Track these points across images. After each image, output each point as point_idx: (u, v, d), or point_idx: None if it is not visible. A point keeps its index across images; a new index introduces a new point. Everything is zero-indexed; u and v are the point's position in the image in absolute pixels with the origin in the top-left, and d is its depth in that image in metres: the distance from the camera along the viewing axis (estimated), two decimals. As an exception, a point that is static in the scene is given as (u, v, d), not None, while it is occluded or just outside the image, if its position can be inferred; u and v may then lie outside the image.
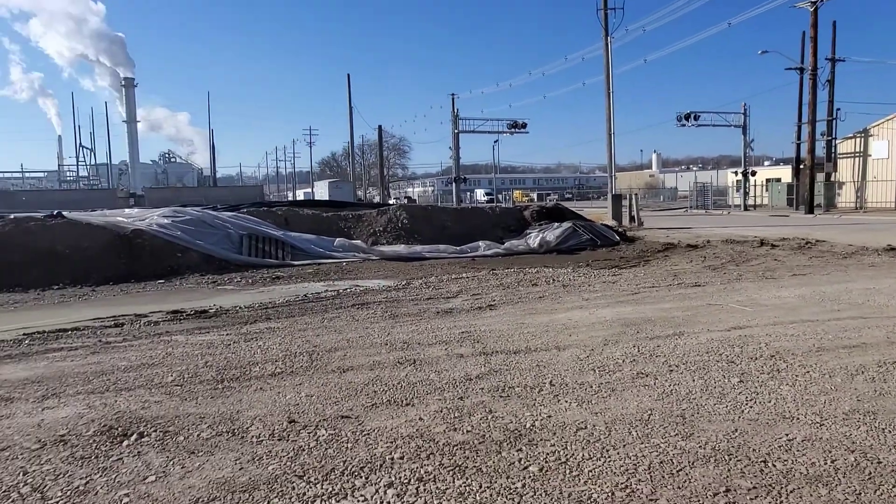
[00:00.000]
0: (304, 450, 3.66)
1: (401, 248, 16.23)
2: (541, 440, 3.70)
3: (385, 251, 15.89)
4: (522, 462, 3.39)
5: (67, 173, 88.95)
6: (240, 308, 9.27)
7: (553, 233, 17.74)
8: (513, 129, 44.28)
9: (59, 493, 3.18)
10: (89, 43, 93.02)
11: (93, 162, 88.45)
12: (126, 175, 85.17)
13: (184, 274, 13.25)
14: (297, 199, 67.87)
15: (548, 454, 3.49)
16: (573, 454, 3.50)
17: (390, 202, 46.57)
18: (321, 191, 64.86)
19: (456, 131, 44.95)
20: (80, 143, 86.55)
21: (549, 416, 4.10)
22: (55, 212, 14.47)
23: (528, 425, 3.94)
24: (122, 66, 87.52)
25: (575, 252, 16.86)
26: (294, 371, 5.43)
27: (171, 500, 3.07)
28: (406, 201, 56.02)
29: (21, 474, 3.41)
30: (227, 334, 7.23)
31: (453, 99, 48.36)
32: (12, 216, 13.99)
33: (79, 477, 3.37)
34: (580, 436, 3.77)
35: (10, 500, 3.13)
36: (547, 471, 3.29)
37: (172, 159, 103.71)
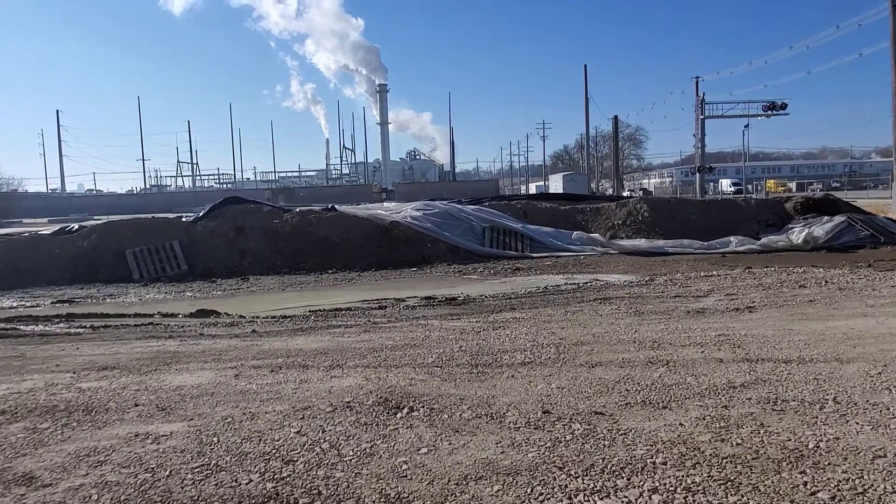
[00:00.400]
0: (560, 442, 3.71)
1: (641, 243, 15.61)
2: (829, 464, 3.27)
3: (624, 245, 15.42)
4: (808, 486, 3.03)
5: (333, 171, 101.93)
6: (485, 297, 9.74)
7: (822, 227, 15.58)
8: (769, 112, 39.64)
9: (351, 453, 3.65)
10: (350, 55, 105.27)
11: (352, 161, 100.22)
12: (379, 172, 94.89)
13: (433, 263, 14.33)
14: (530, 192, 69.03)
15: (840, 481, 3.07)
16: (872, 485, 3.03)
17: (624, 194, 44.96)
18: (556, 184, 65.11)
19: (700, 117, 41.75)
20: (343, 145, 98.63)
21: (837, 438, 3.60)
22: (329, 205, 16.66)
23: (810, 446, 3.51)
24: (376, 74, 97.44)
25: (850, 250, 14.62)
26: (542, 362, 5.53)
27: (442, 473, 3.33)
28: (641, 193, 53.55)
29: (321, 432, 3.98)
30: (476, 321, 7.63)
31: (697, 82, 44.93)
32: (297, 209, 16.45)
33: (365, 441, 3.82)
34: (879, 465, 3.25)
35: (315, 452, 3.67)
36: (840, 500, 2.89)
37: (417, 157, 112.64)
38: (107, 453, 3.73)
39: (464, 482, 3.21)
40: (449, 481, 3.23)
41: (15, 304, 11.94)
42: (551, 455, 3.52)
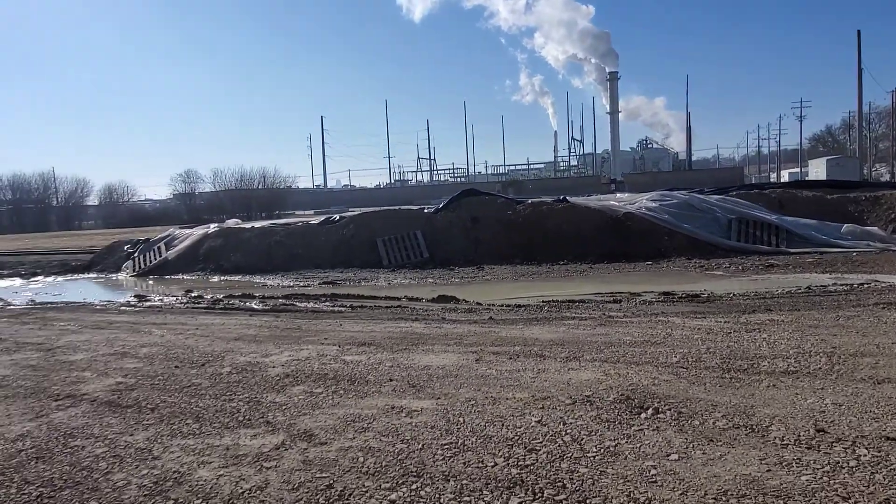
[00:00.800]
0: (842, 467, 3.18)
1: (937, 238, 12.94)
2: None
3: (913, 241, 12.92)
4: None
5: (560, 163, 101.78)
6: (733, 295, 8.87)
7: None
8: None
9: (594, 449, 3.54)
10: (578, 44, 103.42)
11: (580, 152, 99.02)
12: (607, 162, 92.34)
13: (670, 256, 13.49)
14: (783, 180, 61.51)
15: None
16: None
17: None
18: (817, 170, 57.10)
19: None
20: (572, 136, 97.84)
21: None
22: (561, 196, 16.58)
23: None
24: (606, 61, 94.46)
25: None
26: (811, 373, 4.84)
27: (697, 485, 3.06)
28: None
29: (561, 424, 3.93)
30: (725, 322, 6.97)
31: None
32: (529, 201, 16.65)
33: (608, 438, 3.68)
34: None
35: (557, 444, 3.63)
36: None
37: (649, 145, 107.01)
38: (368, 421, 4.12)
39: (723, 498, 2.92)
40: (706, 494, 2.96)
41: (291, 284, 13.95)
42: (831, 481, 3.04)
